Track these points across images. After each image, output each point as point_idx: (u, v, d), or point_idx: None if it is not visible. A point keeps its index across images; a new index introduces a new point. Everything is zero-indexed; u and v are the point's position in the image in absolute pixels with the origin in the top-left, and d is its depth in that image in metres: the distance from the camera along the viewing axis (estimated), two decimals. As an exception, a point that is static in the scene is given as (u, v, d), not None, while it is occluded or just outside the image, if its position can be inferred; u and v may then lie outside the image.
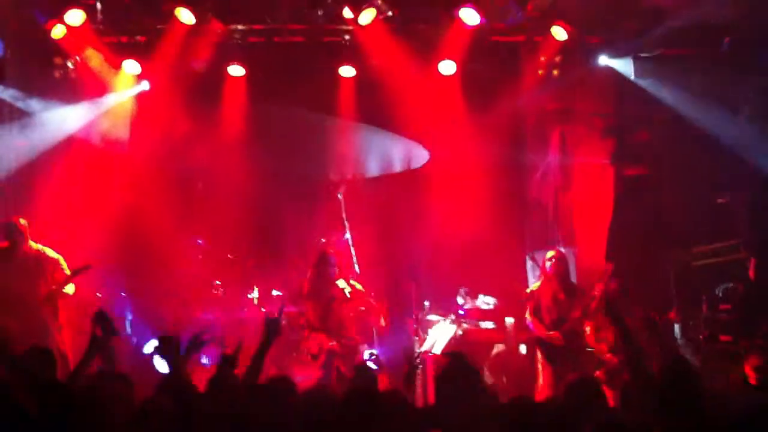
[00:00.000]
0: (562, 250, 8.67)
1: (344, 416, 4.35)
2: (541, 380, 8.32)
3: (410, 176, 10.65)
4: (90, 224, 9.79)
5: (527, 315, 8.45)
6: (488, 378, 9.21)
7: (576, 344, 8.16)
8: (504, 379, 9.31)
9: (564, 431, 4.24)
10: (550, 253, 8.52)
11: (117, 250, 9.57)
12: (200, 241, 10.12)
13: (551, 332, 8.23)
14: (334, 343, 8.17)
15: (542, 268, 8.54)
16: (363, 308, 8.81)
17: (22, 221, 8.12)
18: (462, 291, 9.76)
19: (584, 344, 8.25)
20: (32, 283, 7.97)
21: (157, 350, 5.35)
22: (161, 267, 10.23)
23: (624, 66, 9.85)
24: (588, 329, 8.30)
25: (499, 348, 9.47)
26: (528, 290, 8.57)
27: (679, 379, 4.39)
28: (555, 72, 10.22)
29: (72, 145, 10.23)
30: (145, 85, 10.30)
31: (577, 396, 4.63)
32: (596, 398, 4.70)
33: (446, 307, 9.75)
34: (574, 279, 8.92)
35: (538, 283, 8.51)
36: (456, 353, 5.60)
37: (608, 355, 8.12)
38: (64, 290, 8.00)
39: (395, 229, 10.42)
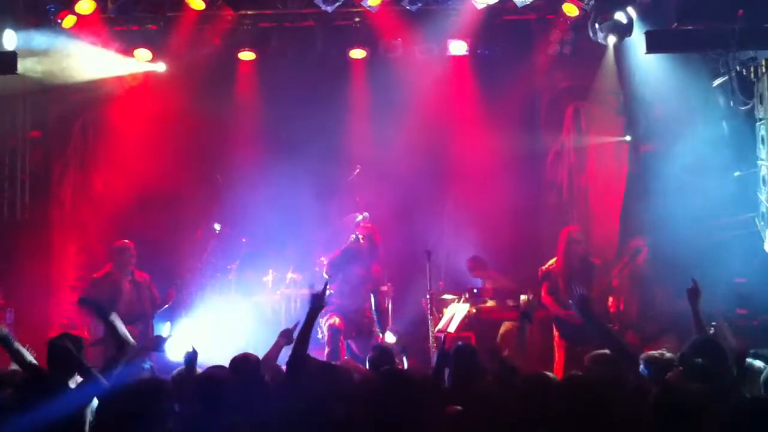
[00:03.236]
0: (574, 226, 8.46)
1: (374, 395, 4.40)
2: (557, 358, 8.27)
3: (425, 158, 10.61)
4: (106, 208, 9.92)
5: (543, 294, 8.32)
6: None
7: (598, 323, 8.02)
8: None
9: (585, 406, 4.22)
10: (569, 233, 8.31)
11: (132, 234, 9.65)
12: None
13: (570, 311, 8.11)
14: (338, 320, 8.11)
15: (561, 247, 8.35)
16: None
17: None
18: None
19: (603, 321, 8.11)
20: (143, 298, 8.74)
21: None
22: (176, 251, 10.32)
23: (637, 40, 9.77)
24: (610, 301, 8.23)
25: (507, 326, 9.42)
26: (543, 268, 8.42)
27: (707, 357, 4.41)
28: (567, 49, 10.15)
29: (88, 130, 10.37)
30: (159, 67, 10.35)
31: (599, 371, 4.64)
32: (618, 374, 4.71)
33: (460, 286, 9.76)
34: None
35: (554, 261, 8.39)
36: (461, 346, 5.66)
37: (628, 333, 8.07)
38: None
39: (410, 209, 10.42)
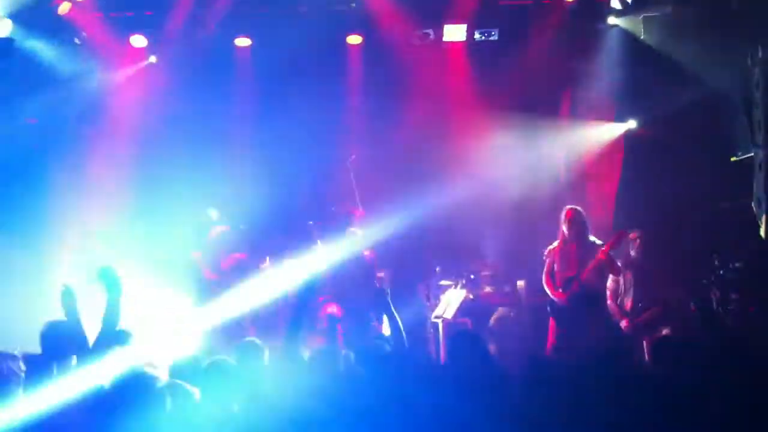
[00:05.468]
0: (578, 208, 8.49)
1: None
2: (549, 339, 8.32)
3: (420, 144, 10.61)
4: (103, 197, 9.91)
5: (543, 275, 8.41)
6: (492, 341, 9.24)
7: (586, 306, 8.08)
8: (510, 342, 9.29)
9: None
10: (565, 213, 8.36)
11: (128, 225, 9.68)
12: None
13: (558, 291, 8.20)
14: (335, 308, 8.20)
15: (561, 227, 8.42)
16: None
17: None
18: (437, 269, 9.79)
19: (597, 306, 8.16)
20: None
21: None
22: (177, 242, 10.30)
23: (634, 25, 9.78)
24: (609, 288, 8.25)
25: (501, 312, 9.47)
26: (547, 249, 8.49)
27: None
28: (564, 34, 10.13)
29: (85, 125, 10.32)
30: (152, 59, 10.35)
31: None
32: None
33: (457, 272, 9.78)
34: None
35: (556, 243, 8.45)
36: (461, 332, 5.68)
37: (624, 321, 8.10)
38: None
39: (406, 195, 10.40)
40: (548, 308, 8.30)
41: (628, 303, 8.23)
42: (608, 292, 8.27)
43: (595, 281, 8.12)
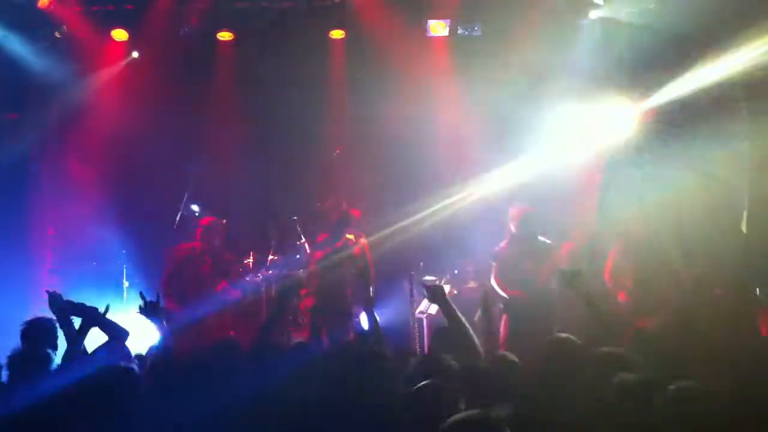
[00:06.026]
0: (525, 206, 8.43)
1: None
2: (501, 335, 8.27)
3: (404, 138, 10.59)
4: (84, 191, 9.86)
5: (492, 275, 8.34)
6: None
7: (544, 305, 8.01)
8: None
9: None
10: (513, 212, 8.32)
11: (110, 217, 9.65)
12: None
13: (514, 291, 8.12)
14: (317, 302, 8.17)
15: (512, 227, 8.36)
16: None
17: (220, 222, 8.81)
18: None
19: (555, 306, 8.09)
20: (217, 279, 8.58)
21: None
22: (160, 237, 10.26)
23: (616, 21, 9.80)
24: (606, 270, 8.19)
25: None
26: (494, 250, 8.43)
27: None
28: (546, 26, 10.14)
29: (66, 121, 10.24)
30: (134, 54, 10.29)
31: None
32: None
33: (441, 268, 9.78)
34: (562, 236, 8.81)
35: (504, 242, 8.40)
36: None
37: (621, 294, 7.99)
38: None
39: (389, 190, 10.42)
40: (502, 306, 8.26)
41: (626, 279, 8.15)
42: (606, 271, 8.20)
43: (552, 280, 8.07)
